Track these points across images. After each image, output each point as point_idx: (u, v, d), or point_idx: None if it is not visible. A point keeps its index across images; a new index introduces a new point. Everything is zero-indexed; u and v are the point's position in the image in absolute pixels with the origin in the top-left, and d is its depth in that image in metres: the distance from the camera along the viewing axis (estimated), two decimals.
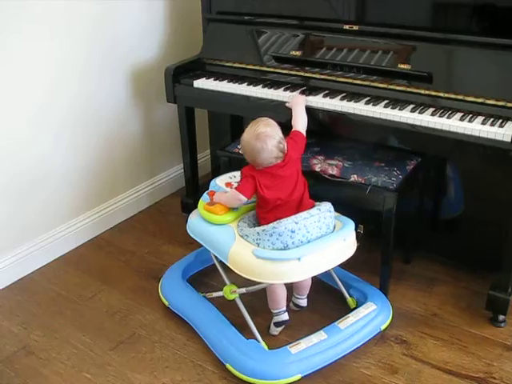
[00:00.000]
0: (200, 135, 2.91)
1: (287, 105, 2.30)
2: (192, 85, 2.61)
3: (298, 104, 2.25)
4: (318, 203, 2.07)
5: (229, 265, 2.00)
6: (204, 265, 2.54)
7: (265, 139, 1.97)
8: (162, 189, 3.29)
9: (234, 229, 2.06)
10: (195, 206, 2.93)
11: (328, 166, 2.26)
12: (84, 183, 2.82)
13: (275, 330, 2.19)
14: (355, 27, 2.36)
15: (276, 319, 2.16)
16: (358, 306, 2.22)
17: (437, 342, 2.15)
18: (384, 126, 2.14)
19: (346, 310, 2.24)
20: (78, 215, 2.84)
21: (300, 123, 2.20)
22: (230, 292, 2.14)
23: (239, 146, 2.49)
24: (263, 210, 2.05)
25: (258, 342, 2.05)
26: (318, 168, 2.27)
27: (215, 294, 2.28)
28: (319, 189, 2.18)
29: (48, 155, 2.61)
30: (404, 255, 2.59)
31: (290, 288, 2.22)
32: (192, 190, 2.94)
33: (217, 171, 2.83)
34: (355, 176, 2.20)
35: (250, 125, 2.05)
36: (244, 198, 2.02)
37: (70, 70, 2.60)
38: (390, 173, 2.20)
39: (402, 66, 2.25)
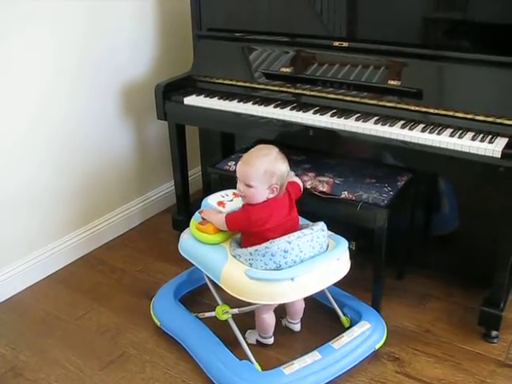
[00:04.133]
0: (191, 152, 2.90)
1: None
2: (182, 102, 2.60)
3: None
4: (310, 223, 2.05)
5: (221, 285, 1.98)
6: (196, 284, 2.51)
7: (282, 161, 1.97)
8: (153, 206, 3.28)
9: (226, 249, 2.03)
10: (186, 224, 2.92)
11: (319, 183, 2.26)
12: (74, 200, 2.81)
13: (251, 341, 2.20)
14: (345, 44, 2.38)
15: (260, 340, 2.20)
16: (352, 325, 2.20)
17: (430, 359, 2.14)
18: (374, 143, 2.14)
19: (340, 328, 2.21)
20: (68, 233, 2.82)
21: (297, 179, 2.20)
22: (223, 312, 2.11)
23: (230, 163, 2.50)
24: (250, 239, 1.99)
25: (251, 362, 2.02)
26: (308, 185, 2.26)
27: (207, 314, 2.25)
28: (310, 206, 2.18)
29: (38, 172, 2.59)
30: (396, 271, 2.58)
31: (283, 308, 2.22)
32: (183, 207, 2.92)
33: (208, 188, 2.82)
34: (346, 193, 2.19)
35: (260, 152, 2.00)
36: (226, 229, 2.03)
37: (60, 87, 2.59)
38: (381, 189, 2.20)
39: (391, 82, 2.26)
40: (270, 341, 2.19)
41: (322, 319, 2.32)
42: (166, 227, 3.08)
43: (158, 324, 2.30)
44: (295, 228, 2.00)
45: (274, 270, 1.89)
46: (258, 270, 1.89)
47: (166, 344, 2.25)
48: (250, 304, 1.99)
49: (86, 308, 2.49)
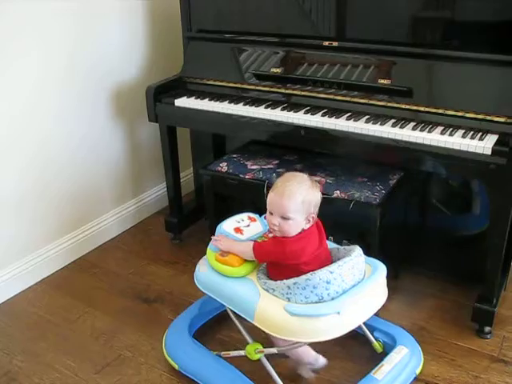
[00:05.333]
0: (183, 154, 2.90)
1: None
2: (173, 104, 2.60)
3: None
4: (340, 247, 1.91)
5: (256, 324, 1.76)
6: (208, 317, 2.31)
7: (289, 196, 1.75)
8: (145, 208, 3.28)
9: (254, 282, 1.83)
10: (179, 225, 2.95)
11: None
12: (66, 204, 2.80)
13: (308, 373, 2.02)
14: (335, 43, 2.38)
15: (311, 368, 2.01)
16: (385, 350, 2.10)
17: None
18: (366, 142, 2.15)
19: (374, 355, 2.10)
20: (61, 236, 2.81)
21: None
22: (255, 352, 1.90)
23: (221, 165, 2.50)
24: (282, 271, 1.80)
25: None
26: None
27: (233, 353, 2.02)
28: None
29: (30, 176, 2.58)
30: (391, 270, 2.58)
31: None
32: (175, 209, 2.92)
33: (200, 190, 2.82)
34: (338, 192, 2.20)
35: (294, 180, 1.80)
36: (254, 260, 1.85)
37: (50, 90, 2.59)
38: (373, 188, 2.21)
39: (382, 81, 2.27)
40: (321, 361, 1.98)
41: (353, 346, 2.17)
42: (158, 229, 3.08)
43: (176, 367, 2.09)
44: (329, 259, 1.85)
45: (316, 303, 1.70)
46: (299, 305, 1.70)
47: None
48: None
49: (80, 312, 2.48)
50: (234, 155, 2.60)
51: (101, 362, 2.18)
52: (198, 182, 3.15)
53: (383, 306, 2.26)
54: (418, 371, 2.03)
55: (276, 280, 1.77)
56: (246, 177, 2.40)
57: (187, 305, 2.40)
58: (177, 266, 2.79)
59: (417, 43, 2.26)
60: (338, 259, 1.79)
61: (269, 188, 2.17)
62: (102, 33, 2.78)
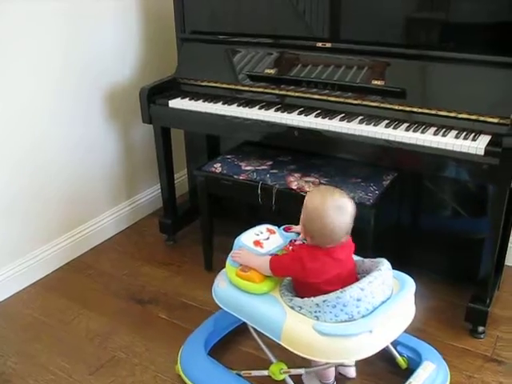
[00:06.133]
0: (177, 155, 2.90)
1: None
2: (167, 105, 2.60)
3: None
4: (366, 260, 1.84)
5: (283, 344, 1.69)
6: (225, 331, 2.22)
7: (347, 213, 1.68)
8: (140, 209, 3.27)
9: (278, 299, 1.75)
10: (173, 227, 2.95)
11: (305, 184, 2.27)
12: (61, 205, 2.80)
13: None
14: (328, 45, 2.39)
15: None
16: (409, 366, 2.03)
17: None
18: (359, 142, 2.15)
19: (399, 371, 2.04)
20: (55, 238, 2.80)
21: None
22: (280, 372, 1.82)
23: (216, 166, 2.50)
24: (305, 288, 1.74)
25: None
26: (294, 186, 2.27)
27: (255, 373, 1.94)
28: (296, 207, 2.17)
29: (24, 177, 2.58)
30: None
31: None
32: (170, 211, 2.93)
33: (194, 191, 2.82)
34: None
35: (323, 192, 1.74)
36: (270, 274, 1.78)
37: (44, 92, 2.58)
38: (367, 188, 2.22)
39: (375, 82, 2.27)
40: None
41: (376, 362, 2.08)
42: (153, 230, 3.08)
43: None
44: (353, 274, 1.79)
45: (346, 321, 1.63)
46: (329, 324, 1.63)
47: (156, 347, 2.24)
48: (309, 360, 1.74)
49: (75, 313, 2.48)
50: (228, 156, 2.60)
51: (95, 364, 2.18)
52: (192, 183, 3.15)
53: None
54: None
55: (303, 297, 1.70)
56: (240, 178, 2.40)
57: (182, 306, 2.40)
58: (171, 267, 2.79)
59: (410, 44, 2.27)
60: (364, 271, 1.76)
61: (262, 189, 2.18)
62: (96, 33, 2.78)
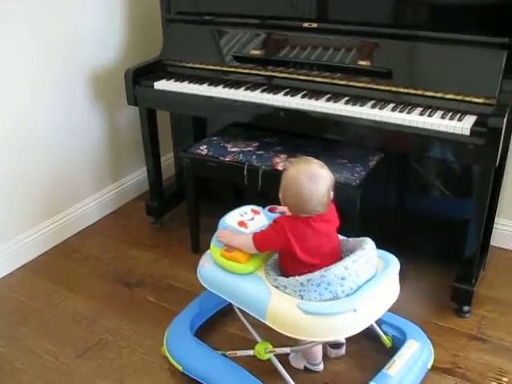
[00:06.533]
0: (163, 138, 2.89)
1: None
2: (152, 86, 2.58)
3: None
4: (350, 239, 1.85)
5: (268, 323, 1.69)
6: (211, 313, 2.23)
7: (320, 181, 1.69)
8: (126, 193, 3.26)
9: (263, 279, 1.76)
10: (160, 209, 2.94)
11: (290, 164, 2.26)
12: (46, 190, 2.78)
13: (297, 366, 2.01)
14: (314, 25, 2.37)
15: (309, 367, 1.99)
16: (394, 344, 2.06)
17: None
18: (345, 123, 2.15)
19: (384, 350, 2.07)
20: (41, 222, 2.79)
21: None
22: (265, 351, 1.84)
23: (202, 147, 2.49)
24: (288, 264, 1.77)
25: None
26: (280, 166, 2.27)
27: (241, 353, 1.95)
28: None
29: (7, 162, 2.55)
30: None
31: None
32: (156, 193, 2.92)
33: (181, 173, 2.81)
34: None
35: (299, 162, 1.77)
36: (255, 252, 1.78)
37: (27, 75, 2.55)
38: (353, 169, 2.22)
39: (361, 62, 2.26)
40: (320, 367, 1.98)
41: (360, 341, 2.10)
42: (139, 214, 3.07)
43: (180, 369, 1.99)
44: (337, 255, 1.79)
45: (330, 300, 1.64)
46: (314, 303, 1.63)
47: (143, 330, 2.25)
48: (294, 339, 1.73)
49: (61, 297, 2.48)
50: (214, 138, 2.59)
51: (82, 347, 2.18)
52: (178, 166, 3.14)
53: None
54: (429, 365, 1.99)
55: (288, 276, 1.71)
56: (226, 159, 2.40)
57: (168, 288, 2.40)
58: (158, 249, 2.79)
59: (396, 24, 2.26)
60: (348, 250, 1.77)
61: (249, 170, 2.17)
62: (78, 15, 2.74)
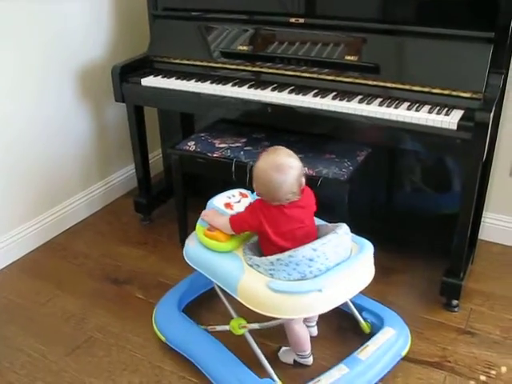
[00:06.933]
0: (151, 134, 2.88)
1: None
2: (140, 83, 2.57)
3: None
4: (329, 224, 1.90)
5: (239, 299, 1.78)
6: (199, 291, 2.34)
7: (287, 171, 1.74)
8: (114, 190, 3.25)
9: (240, 257, 1.84)
10: (148, 206, 2.94)
11: None
12: (33, 187, 2.76)
13: (287, 362, 2.02)
14: (301, 20, 2.37)
15: (298, 360, 2.00)
16: (373, 331, 2.10)
17: None
18: (333, 118, 2.15)
19: (362, 335, 2.11)
20: (29, 220, 2.77)
21: None
22: (239, 327, 1.93)
23: (189, 144, 2.48)
24: (266, 244, 1.83)
25: (274, 381, 1.86)
26: None
27: (219, 328, 2.06)
28: None
29: None
30: None
31: None
32: (145, 190, 2.91)
33: (169, 170, 2.80)
34: (306, 169, 2.19)
35: (268, 153, 1.80)
36: (231, 232, 1.85)
37: (12, 73, 2.53)
38: (341, 164, 2.22)
39: (348, 57, 2.26)
40: (310, 360, 1.99)
41: (340, 325, 2.20)
42: (128, 210, 3.06)
43: (163, 339, 2.11)
44: (313, 234, 1.83)
45: (298, 280, 1.70)
46: (281, 282, 1.70)
47: (132, 327, 2.24)
48: (269, 317, 1.79)
49: (50, 294, 2.46)
50: (202, 134, 2.58)
51: (71, 345, 2.17)
52: (166, 162, 3.13)
53: None
54: (403, 353, 2.02)
55: (265, 255, 1.78)
56: (214, 155, 2.39)
57: (157, 285, 2.40)
58: (146, 246, 2.78)
59: (383, 19, 2.27)
60: (324, 235, 1.79)
61: (237, 166, 2.17)
62: (63, 11, 2.71)
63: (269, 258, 1.73)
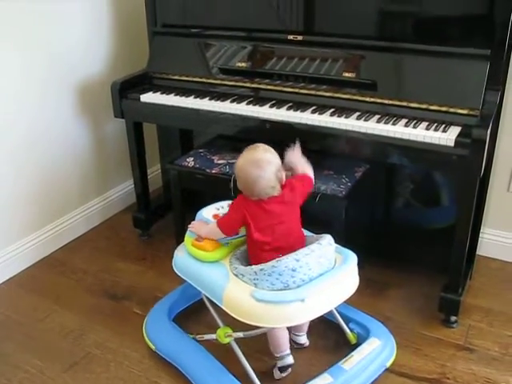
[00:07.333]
0: (150, 150, 2.89)
1: (286, 162, 1.99)
2: (139, 99, 2.59)
3: (298, 157, 2.02)
4: (314, 235, 1.94)
5: (223, 308, 1.83)
6: (190, 301, 2.37)
7: (264, 166, 1.80)
8: (113, 205, 3.25)
9: (226, 267, 1.89)
10: (147, 222, 2.94)
11: None
12: (32, 202, 2.76)
13: (280, 376, 2.02)
14: (299, 37, 2.39)
15: (280, 363, 1.99)
16: (359, 341, 2.12)
17: None
18: (331, 135, 2.16)
19: (348, 346, 2.13)
20: (27, 235, 2.77)
21: (310, 171, 2.01)
22: (225, 336, 1.97)
23: (188, 160, 2.49)
24: (251, 249, 1.90)
25: None
26: None
27: (207, 337, 2.11)
28: None
29: None
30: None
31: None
32: (143, 206, 2.91)
33: (168, 185, 2.81)
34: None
35: (247, 150, 1.88)
36: (222, 235, 1.90)
37: (12, 87, 2.55)
38: (339, 180, 2.23)
39: (346, 74, 2.28)
40: (289, 359, 1.98)
41: (327, 336, 2.22)
42: (126, 226, 3.06)
43: (153, 348, 2.15)
44: (300, 241, 1.89)
45: (282, 290, 1.74)
46: (265, 291, 1.74)
47: (130, 343, 2.23)
48: (254, 326, 1.82)
49: (48, 310, 2.46)
50: (201, 150, 2.59)
51: (69, 361, 2.16)
52: (165, 178, 3.14)
53: (350, 296, 2.30)
54: (388, 364, 2.05)
55: (251, 264, 1.82)
56: (213, 171, 2.40)
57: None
58: (145, 262, 2.78)
59: (381, 37, 2.28)
60: (308, 246, 1.82)
61: (235, 182, 2.17)
62: (65, 26, 2.74)
63: (253, 267, 1.77)
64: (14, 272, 2.72)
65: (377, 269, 2.60)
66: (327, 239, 1.85)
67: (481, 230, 2.49)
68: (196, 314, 2.33)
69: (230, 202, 2.04)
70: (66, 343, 2.26)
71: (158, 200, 3.11)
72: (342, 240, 2.19)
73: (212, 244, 1.93)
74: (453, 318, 2.26)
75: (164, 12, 2.75)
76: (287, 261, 1.73)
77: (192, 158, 2.50)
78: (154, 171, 3.33)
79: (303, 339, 2.13)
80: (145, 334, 2.21)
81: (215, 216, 1.99)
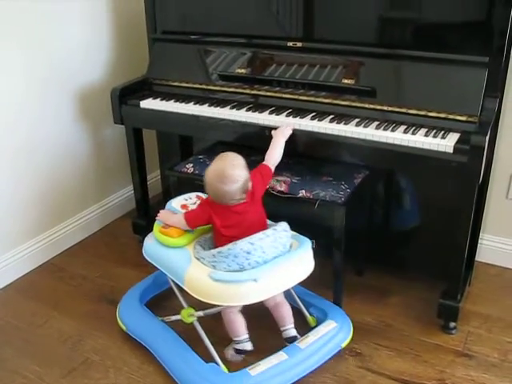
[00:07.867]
0: (149, 156, 2.89)
1: (272, 132, 2.20)
2: (139, 105, 2.59)
3: (282, 136, 2.17)
4: (273, 223, 2.05)
5: (185, 288, 1.97)
6: (162, 288, 2.49)
7: (229, 184, 1.91)
8: (112, 211, 3.25)
9: (190, 252, 2.03)
10: (146, 227, 2.92)
11: (276, 183, 2.27)
12: (31, 208, 2.76)
13: (232, 356, 2.08)
14: (299, 44, 2.40)
15: (239, 347, 2.05)
16: (318, 325, 2.19)
17: (391, 353, 2.18)
18: (330, 141, 2.17)
19: (307, 328, 2.19)
20: (26, 241, 2.77)
21: (274, 158, 2.15)
22: (188, 315, 2.11)
23: (188, 166, 2.49)
24: (218, 241, 2.03)
25: (218, 365, 2.00)
26: None
27: (173, 318, 2.23)
28: (269, 205, 2.18)
29: None
30: (356, 268, 2.61)
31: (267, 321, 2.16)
32: (143, 212, 2.91)
33: (167, 191, 2.81)
34: (303, 191, 2.21)
35: (216, 161, 1.99)
36: (187, 227, 2.06)
37: (11, 92, 2.55)
38: (338, 187, 2.23)
39: (346, 81, 2.28)
40: (248, 345, 2.04)
41: None
42: (126, 232, 3.06)
43: (124, 329, 2.28)
44: (257, 225, 2.00)
45: (237, 271, 1.88)
46: (221, 272, 1.89)
47: (129, 348, 2.23)
48: (214, 306, 2.02)
49: (46, 316, 2.46)
50: (200, 156, 2.59)
51: (67, 367, 2.16)
52: (165, 184, 3.14)
53: (349, 301, 2.37)
54: (343, 345, 2.15)
55: (217, 247, 1.96)
56: None
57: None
58: (144, 268, 2.73)
59: (380, 43, 2.29)
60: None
61: None
62: (64, 33, 2.75)
63: (211, 251, 1.94)
64: (13, 278, 2.72)
65: (376, 275, 2.60)
66: (283, 226, 1.99)
67: (480, 237, 2.50)
68: (166, 299, 2.44)
69: (198, 193, 2.23)
70: (65, 349, 2.26)
71: (158, 206, 3.10)
72: (342, 246, 2.20)
73: (177, 231, 2.08)
74: (452, 325, 2.26)
75: (164, 19, 2.76)
76: (242, 244, 1.87)
77: (191, 164, 2.50)
78: (154, 177, 3.34)
79: (293, 332, 2.13)
80: (117, 317, 2.34)
81: (183, 206, 2.16)
